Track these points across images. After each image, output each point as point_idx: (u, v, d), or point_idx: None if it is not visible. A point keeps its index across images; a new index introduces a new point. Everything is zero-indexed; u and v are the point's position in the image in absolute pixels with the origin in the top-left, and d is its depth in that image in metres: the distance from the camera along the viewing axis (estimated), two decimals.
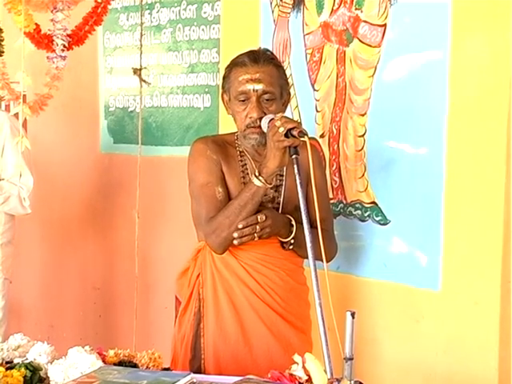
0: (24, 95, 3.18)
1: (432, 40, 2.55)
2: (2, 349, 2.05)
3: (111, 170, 4.22)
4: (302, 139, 2.15)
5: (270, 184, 2.28)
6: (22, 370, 1.89)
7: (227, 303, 2.37)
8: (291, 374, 1.81)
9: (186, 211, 2.55)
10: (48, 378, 1.91)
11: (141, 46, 3.51)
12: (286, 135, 2.16)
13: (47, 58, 3.29)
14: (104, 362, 1.95)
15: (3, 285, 3.70)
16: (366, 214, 2.80)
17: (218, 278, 2.38)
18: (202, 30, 3.63)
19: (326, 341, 1.88)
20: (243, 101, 2.32)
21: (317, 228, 2.02)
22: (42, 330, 4.45)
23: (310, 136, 2.17)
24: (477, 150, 2.45)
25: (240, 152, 2.42)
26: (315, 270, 1.97)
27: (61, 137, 4.48)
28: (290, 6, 3.02)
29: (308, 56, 2.97)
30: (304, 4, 2.97)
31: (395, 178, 2.70)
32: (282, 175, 2.40)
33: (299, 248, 2.35)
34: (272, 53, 2.46)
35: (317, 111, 2.95)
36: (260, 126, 2.30)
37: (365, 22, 2.75)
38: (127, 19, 4.04)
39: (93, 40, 3.66)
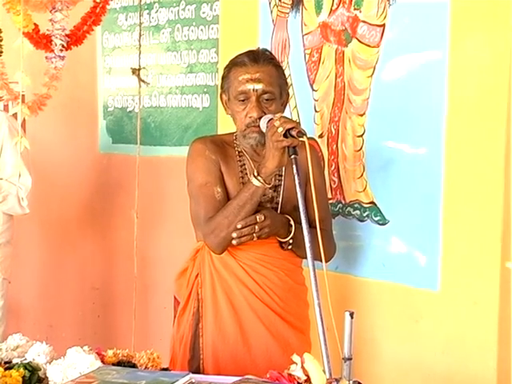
0: (23, 95, 3.18)
1: (431, 40, 2.55)
2: (0, 349, 2.05)
3: (110, 170, 4.22)
4: (300, 139, 2.15)
5: (269, 184, 2.28)
6: (21, 370, 1.89)
7: (226, 303, 2.37)
8: (290, 374, 1.81)
9: (184, 211, 2.55)
10: (47, 378, 1.91)
11: (139, 46, 3.51)
12: (285, 135, 2.16)
13: (46, 58, 3.29)
14: (103, 362, 1.94)
15: (2, 285, 3.70)
16: (364, 214, 2.80)
17: (216, 278, 2.38)
18: (201, 30, 3.63)
19: (325, 341, 1.88)
20: (243, 100, 2.32)
21: (316, 228, 2.02)
22: (40, 330, 4.45)
23: (308, 136, 2.18)
24: (476, 150, 2.45)
25: (239, 152, 2.42)
26: (314, 270, 1.97)
27: (59, 137, 4.48)
28: (289, 6, 3.02)
29: (307, 56, 2.97)
30: (303, 4, 2.97)
31: (394, 178, 2.70)
32: (281, 175, 2.40)
33: (298, 248, 2.35)
34: (271, 53, 2.46)
35: (315, 111, 2.95)
36: (259, 126, 2.30)
37: (363, 22, 2.75)
38: (126, 19, 4.04)
39: (91, 40, 3.66)
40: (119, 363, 1.98)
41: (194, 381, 1.87)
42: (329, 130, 2.91)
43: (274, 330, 2.36)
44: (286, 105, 2.43)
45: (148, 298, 3.90)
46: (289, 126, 2.17)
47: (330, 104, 2.89)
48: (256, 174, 2.25)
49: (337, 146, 2.88)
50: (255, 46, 2.55)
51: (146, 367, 1.98)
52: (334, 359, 1.88)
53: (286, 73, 2.69)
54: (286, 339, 2.37)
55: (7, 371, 1.89)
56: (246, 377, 1.87)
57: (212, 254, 2.38)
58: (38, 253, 4.66)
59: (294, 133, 2.15)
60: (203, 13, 3.62)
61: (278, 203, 2.40)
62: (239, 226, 2.27)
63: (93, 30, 3.42)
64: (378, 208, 2.75)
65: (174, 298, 2.55)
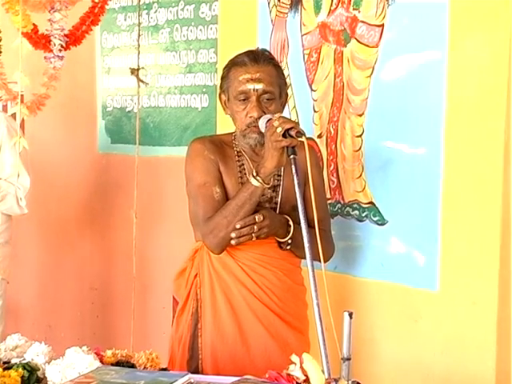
0: (21, 95, 3.18)
1: (430, 40, 2.55)
2: None
3: (109, 170, 4.22)
4: (299, 139, 2.15)
5: (268, 184, 2.28)
6: (20, 370, 1.89)
7: (225, 303, 2.36)
8: (289, 374, 1.81)
9: (183, 211, 2.55)
10: (45, 378, 1.91)
11: (138, 46, 3.51)
12: (284, 135, 2.16)
13: (45, 58, 3.29)
14: (101, 362, 1.94)
15: (1, 285, 3.70)
16: (363, 214, 2.80)
17: (215, 278, 2.38)
18: (200, 30, 3.63)
19: (324, 341, 1.88)
20: (243, 100, 2.32)
21: (314, 228, 2.02)
22: (39, 330, 4.45)
23: (307, 136, 2.18)
24: (474, 150, 2.45)
25: (237, 152, 2.42)
26: (313, 270, 1.97)
27: (58, 137, 4.48)
28: (288, 6, 3.02)
29: (306, 56, 2.97)
30: (302, 4, 2.97)
31: (393, 178, 2.70)
32: (280, 175, 2.40)
33: (297, 248, 2.35)
34: (270, 53, 2.47)
35: (314, 111, 2.95)
36: (258, 126, 2.30)
37: (362, 22, 2.75)
38: (125, 19, 4.04)
39: (90, 40, 3.66)
40: (118, 363, 1.98)
41: (192, 381, 1.87)
42: (328, 130, 2.91)
43: (273, 330, 2.36)
44: (284, 105, 2.43)
45: (147, 298, 3.90)
46: (288, 126, 2.17)
47: (328, 104, 2.89)
48: (255, 174, 2.25)
49: (336, 146, 2.88)
50: (254, 46, 2.55)
51: (144, 367, 1.98)
52: (333, 359, 1.88)
53: (285, 73, 2.69)
54: (284, 339, 2.37)
55: (6, 371, 1.89)
56: (245, 377, 1.86)
57: (211, 254, 2.38)
58: (36, 253, 4.66)
59: (292, 133, 2.16)
60: (202, 13, 3.62)
61: (276, 203, 2.40)
62: (238, 226, 2.27)
63: (92, 30, 3.42)
64: (377, 208, 2.75)
65: (173, 298, 2.55)
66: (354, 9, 2.78)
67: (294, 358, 1.83)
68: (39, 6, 3.18)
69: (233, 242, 2.29)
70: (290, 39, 3.02)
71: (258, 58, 2.35)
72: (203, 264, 2.40)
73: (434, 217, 2.55)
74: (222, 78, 2.41)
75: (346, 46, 2.82)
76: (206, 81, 3.63)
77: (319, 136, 2.93)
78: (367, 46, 2.74)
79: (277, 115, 2.23)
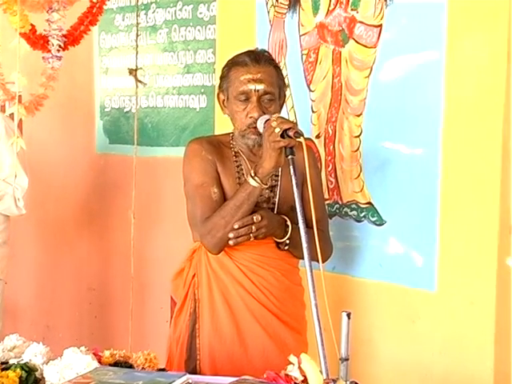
0: (19, 95, 3.18)
1: (428, 40, 2.56)
2: None
3: (107, 171, 4.21)
4: (297, 140, 2.15)
5: (266, 184, 2.28)
6: (18, 370, 1.89)
7: (222, 304, 2.36)
8: (287, 375, 1.81)
9: (181, 212, 2.55)
10: (43, 378, 1.91)
11: (136, 46, 3.51)
12: (282, 136, 2.16)
13: (43, 58, 3.29)
14: (100, 362, 1.94)
15: None
16: (361, 215, 2.80)
17: (213, 279, 2.38)
18: (198, 30, 3.63)
19: (322, 341, 1.88)
20: (244, 100, 2.32)
21: (312, 228, 2.02)
22: (37, 330, 4.45)
23: (305, 137, 2.18)
24: (472, 151, 2.46)
25: (235, 152, 2.42)
26: (311, 271, 1.97)
27: (56, 137, 4.48)
28: (286, 7, 3.02)
29: (304, 57, 2.97)
30: (300, 5, 2.97)
31: (391, 178, 2.70)
32: (277, 175, 2.40)
33: (294, 248, 2.35)
34: (270, 54, 2.47)
35: (312, 112, 2.95)
36: (257, 127, 2.30)
37: (360, 22, 2.75)
38: (123, 19, 4.04)
39: (88, 40, 3.66)
40: (116, 364, 1.97)
41: (190, 381, 1.87)
42: (326, 131, 2.91)
43: (271, 331, 2.36)
44: (282, 106, 2.43)
45: (145, 299, 3.90)
46: (286, 126, 2.17)
47: (326, 104, 2.89)
48: (253, 174, 2.25)
49: (334, 146, 2.88)
50: (252, 47, 2.55)
51: (142, 368, 1.98)
52: (331, 360, 1.87)
53: (283, 73, 2.69)
54: (282, 339, 2.37)
55: (4, 372, 1.89)
56: (243, 377, 1.87)
57: (209, 255, 2.38)
58: (34, 253, 4.65)
59: (291, 133, 2.16)
60: (200, 13, 3.62)
61: (274, 203, 2.40)
62: (236, 227, 2.27)
63: (90, 30, 3.41)
64: (375, 208, 2.75)
65: (171, 298, 2.55)
66: (352, 9, 2.78)
67: (292, 358, 1.83)
68: (37, 6, 3.18)
69: (231, 242, 2.29)
70: (288, 40, 3.02)
71: (260, 58, 2.35)
72: (201, 264, 2.40)
73: (432, 217, 2.55)
74: (222, 78, 2.41)
75: (344, 47, 2.82)
76: (204, 81, 3.63)
77: (317, 136, 2.93)
78: (365, 46, 2.74)
79: (275, 115, 2.24)
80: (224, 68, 2.40)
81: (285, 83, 2.45)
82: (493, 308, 2.41)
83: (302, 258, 2.08)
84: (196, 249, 2.43)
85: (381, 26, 2.69)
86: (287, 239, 2.36)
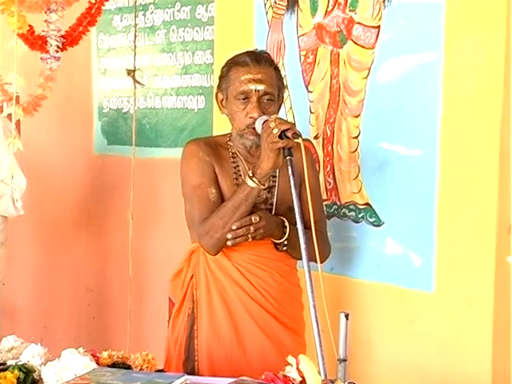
0: (17, 96, 3.18)
1: (426, 41, 2.56)
2: None
3: (105, 172, 4.21)
4: (296, 141, 2.15)
5: (264, 185, 2.28)
6: (16, 371, 1.89)
7: (221, 304, 2.36)
8: (285, 376, 1.81)
9: (179, 213, 2.54)
10: (41, 379, 1.91)
11: (135, 47, 3.51)
12: (280, 137, 2.17)
13: (41, 58, 3.29)
14: (98, 363, 1.94)
15: None
16: (359, 216, 2.80)
17: (211, 280, 2.38)
18: (196, 31, 3.63)
19: (320, 342, 1.88)
20: (243, 100, 2.32)
21: (310, 229, 2.02)
22: (35, 331, 4.44)
23: (303, 137, 2.18)
24: (470, 152, 2.46)
25: (232, 153, 2.42)
26: (309, 272, 1.97)
27: (54, 138, 4.47)
28: (284, 8, 3.02)
29: (302, 57, 2.97)
30: (298, 5, 2.97)
31: (389, 179, 2.70)
32: (275, 176, 2.40)
33: (293, 249, 2.35)
34: (269, 55, 2.47)
35: (311, 113, 2.95)
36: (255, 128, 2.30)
37: (359, 23, 2.75)
38: (121, 20, 4.03)
39: (86, 41, 3.65)
40: (114, 365, 1.98)
41: (188, 382, 1.87)
42: (324, 132, 2.91)
43: (269, 332, 2.36)
44: (280, 107, 2.44)
45: (143, 300, 3.89)
46: (284, 127, 2.17)
47: (325, 105, 2.90)
48: (251, 174, 2.25)
49: (332, 147, 2.88)
50: (250, 48, 2.55)
51: (141, 369, 1.98)
52: (329, 360, 1.88)
53: (282, 74, 2.69)
54: (280, 340, 2.37)
55: (2, 373, 1.89)
56: (241, 378, 1.87)
57: (207, 256, 2.38)
58: (32, 254, 4.65)
59: (289, 134, 2.16)
60: (198, 14, 3.62)
61: (272, 204, 2.40)
62: (234, 227, 2.27)
63: (88, 30, 3.41)
64: (373, 209, 2.75)
65: (169, 299, 2.55)
66: (350, 10, 2.78)
67: (291, 359, 1.83)
68: (35, 6, 3.17)
69: (229, 242, 2.29)
70: (287, 40, 3.02)
71: (260, 59, 2.35)
72: (199, 265, 2.40)
73: (430, 218, 2.55)
74: (221, 77, 2.40)
75: (342, 48, 2.82)
76: (203, 82, 3.63)
77: (315, 137, 2.93)
78: (363, 47, 2.74)
79: (273, 116, 2.24)
80: (224, 68, 2.40)
81: (284, 85, 2.45)
82: (491, 309, 2.41)
83: (300, 259, 2.08)
84: (194, 250, 2.43)
85: (379, 27, 2.69)
86: (285, 240, 2.36)
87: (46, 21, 3.25)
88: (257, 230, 2.29)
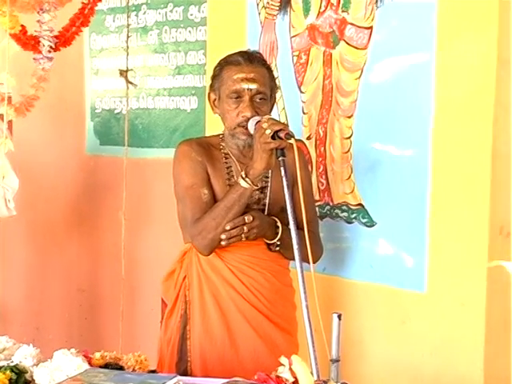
0: (9, 97, 3.17)
1: (418, 42, 2.56)
2: None
3: (97, 172, 4.20)
4: (288, 141, 2.15)
5: (257, 186, 2.28)
6: (8, 372, 1.89)
7: (213, 305, 2.36)
8: (278, 376, 1.81)
9: (172, 213, 2.54)
10: (33, 380, 1.90)
11: (127, 47, 3.50)
12: (273, 137, 2.17)
13: (34, 59, 3.28)
14: (90, 364, 1.94)
15: None
16: (352, 216, 2.80)
17: (204, 280, 2.38)
18: (189, 31, 3.63)
19: (313, 342, 1.89)
20: (236, 99, 2.32)
21: (302, 230, 2.02)
22: (27, 332, 4.42)
23: (296, 138, 2.18)
24: (462, 152, 2.46)
25: (225, 154, 2.42)
26: (302, 272, 1.97)
27: (46, 138, 4.46)
28: (277, 8, 3.02)
29: (295, 58, 2.97)
30: (291, 6, 2.97)
31: (381, 179, 2.70)
32: (268, 177, 2.40)
33: (285, 250, 2.35)
34: (262, 55, 2.47)
35: (303, 113, 2.96)
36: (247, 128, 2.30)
37: (351, 24, 2.76)
38: (113, 21, 4.03)
39: (79, 41, 3.65)
40: (106, 365, 1.97)
41: (181, 383, 1.87)
42: (317, 132, 2.91)
43: (262, 332, 2.36)
44: (273, 107, 2.44)
45: (135, 300, 3.89)
46: (277, 127, 2.17)
47: (317, 106, 2.90)
48: (244, 175, 2.25)
49: (324, 148, 2.88)
50: (243, 48, 2.55)
51: (133, 369, 1.97)
52: (322, 361, 1.88)
53: (274, 75, 2.69)
54: (273, 341, 2.37)
55: None
56: (234, 379, 1.87)
57: (199, 256, 2.37)
58: (24, 255, 4.63)
59: (281, 135, 2.16)
60: (191, 15, 3.62)
61: (264, 205, 2.40)
62: (228, 228, 2.27)
63: (81, 31, 3.41)
64: (366, 210, 2.75)
65: (162, 300, 2.54)
66: (342, 11, 2.78)
67: (283, 359, 1.83)
68: (27, 6, 3.17)
69: (223, 243, 2.29)
70: (279, 41, 3.02)
71: (253, 58, 2.35)
72: (192, 266, 2.40)
73: (422, 218, 2.56)
74: (214, 77, 2.40)
75: (334, 48, 2.82)
76: (195, 82, 3.63)
77: (308, 138, 2.93)
78: (356, 48, 2.74)
79: (266, 117, 2.24)
80: (216, 67, 2.40)
81: (276, 85, 2.45)
82: (483, 309, 2.42)
83: (293, 259, 2.08)
84: (187, 250, 2.43)
85: (371, 27, 2.69)
86: (278, 240, 2.36)
87: (38, 21, 3.25)
88: (250, 230, 2.29)
